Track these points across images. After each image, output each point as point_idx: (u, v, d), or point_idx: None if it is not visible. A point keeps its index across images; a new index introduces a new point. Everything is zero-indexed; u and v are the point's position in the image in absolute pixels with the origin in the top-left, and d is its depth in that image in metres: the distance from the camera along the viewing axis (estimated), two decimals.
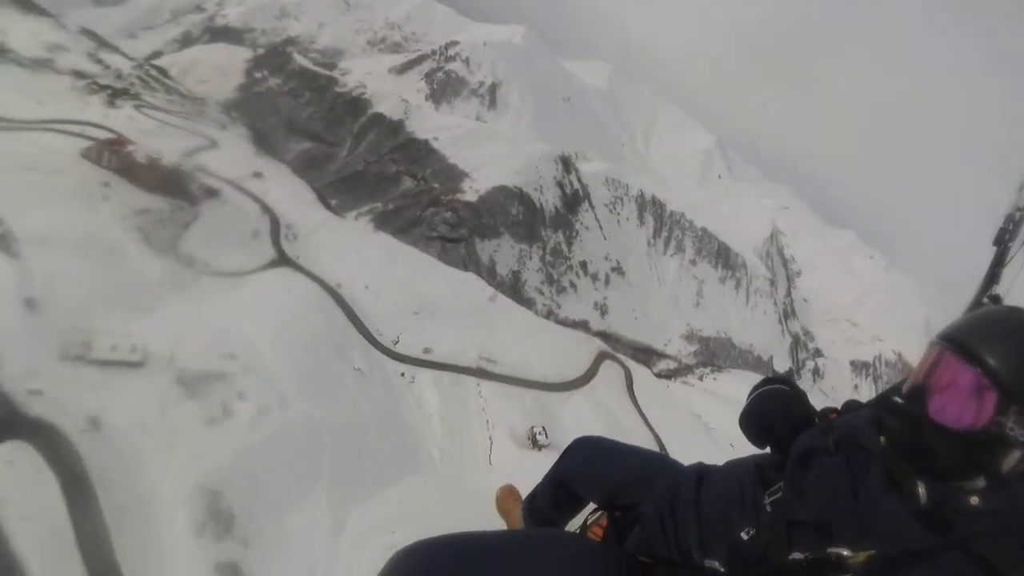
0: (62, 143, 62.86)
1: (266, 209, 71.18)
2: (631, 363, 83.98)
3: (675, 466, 3.19)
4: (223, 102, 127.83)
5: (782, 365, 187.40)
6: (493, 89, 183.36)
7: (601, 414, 64.01)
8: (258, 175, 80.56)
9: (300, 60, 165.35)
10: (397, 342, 59.19)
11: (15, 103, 67.27)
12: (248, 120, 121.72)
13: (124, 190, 58.67)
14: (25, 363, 36.22)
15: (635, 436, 64.21)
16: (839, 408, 2.72)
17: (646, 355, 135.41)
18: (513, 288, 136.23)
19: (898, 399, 2.21)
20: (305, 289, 58.09)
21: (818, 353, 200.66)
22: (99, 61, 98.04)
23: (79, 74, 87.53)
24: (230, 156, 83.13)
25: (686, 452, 57.97)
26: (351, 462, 42.46)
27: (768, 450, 2.73)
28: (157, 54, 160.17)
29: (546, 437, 54.70)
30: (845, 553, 1.98)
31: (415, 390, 54.30)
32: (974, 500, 1.89)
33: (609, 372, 74.80)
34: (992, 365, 1.90)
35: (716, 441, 74.15)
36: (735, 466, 2.77)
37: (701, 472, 2.88)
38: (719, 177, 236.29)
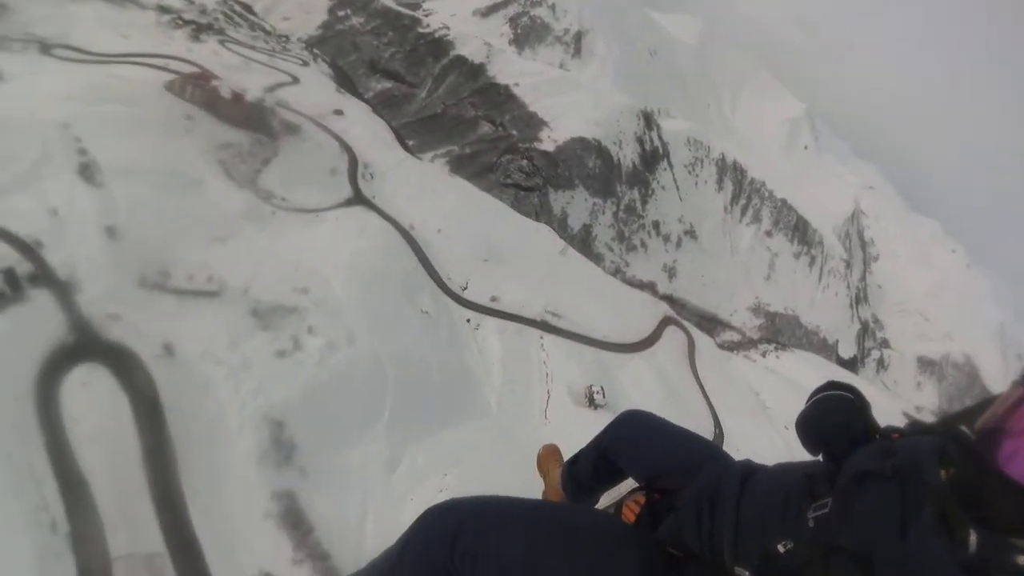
0: (147, 76, 64.13)
1: (345, 147, 71.82)
2: (695, 331, 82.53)
3: (723, 458, 3.05)
4: (306, 39, 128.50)
5: (847, 351, 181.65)
6: (578, 37, 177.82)
7: (660, 380, 63.47)
8: (338, 112, 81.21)
9: None
10: (466, 288, 59.65)
11: (100, 37, 68.72)
12: (330, 58, 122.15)
13: (207, 123, 60.00)
14: (105, 288, 37.77)
15: (691, 406, 63.65)
16: (903, 429, 2.47)
17: (710, 324, 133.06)
18: (583, 242, 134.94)
19: (969, 432, 2.06)
20: (379, 229, 58.80)
21: (885, 344, 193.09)
22: None
23: (163, 9, 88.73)
24: (311, 93, 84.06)
25: (740, 429, 57.45)
26: (411, 402, 43.47)
27: (820, 459, 2.56)
28: None
29: (603, 397, 54.68)
30: None
31: (479, 337, 54.89)
32: (1022, 560, 1.71)
33: (672, 338, 73.84)
34: None
35: (772, 421, 72.76)
36: (784, 471, 2.58)
37: (748, 470, 2.71)
38: (805, 148, 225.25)
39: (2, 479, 28.24)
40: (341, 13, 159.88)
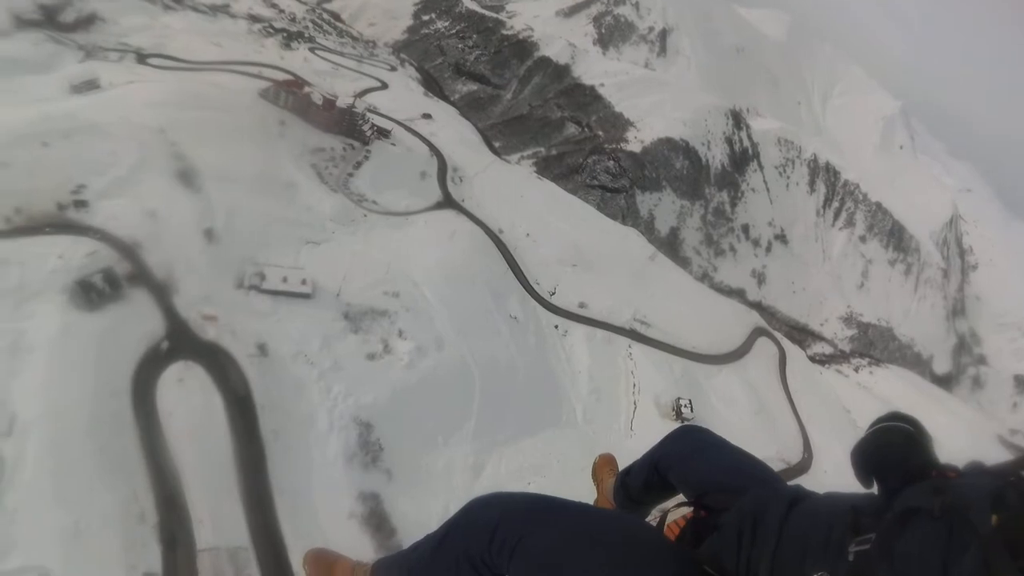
0: (241, 83, 66.31)
1: (434, 151, 72.93)
2: (786, 343, 79.60)
3: (774, 482, 2.97)
4: (392, 44, 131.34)
5: (942, 367, 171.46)
6: (663, 35, 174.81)
7: (749, 394, 61.59)
8: (427, 116, 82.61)
9: (467, 3, 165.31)
10: (554, 293, 59.49)
11: (194, 46, 71.72)
12: (416, 62, 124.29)
13: (300, 129, 61.82)
14: (202, 289, 39.36)
15: (780, 423, 61.50)
16: (962, 469, 2.32)
17: (801, 334, 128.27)
18: (670, 245, 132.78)
19: None
20: (468, 232, 59.37)
21: (982, 360, 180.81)
22: (273, 5, 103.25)
23: (254, 18, 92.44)
24: (400, 97, 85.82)
25: (829, 449, 54.90)
26: (497, 408, 43.69)
27: (872, 491, 2.44)
28: None
29: (691, 411, 53.49)
30: None
31: (567, 344, 54.60)
32: None
33: (763, 350, 71.53)
34: None
35: None
36: (831, 501, 2.50)
37: (796, 496, 2.63)
38: (900, 148, 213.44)
39: (95, 470, 29.63)
40: (426, 17, 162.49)
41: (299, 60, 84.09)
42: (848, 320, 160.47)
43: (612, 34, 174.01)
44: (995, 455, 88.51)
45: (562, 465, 41.80)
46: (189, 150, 48.76)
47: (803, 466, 57.03)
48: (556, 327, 55.59)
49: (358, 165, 62.55)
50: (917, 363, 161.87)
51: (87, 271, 36.47)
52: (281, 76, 71.87)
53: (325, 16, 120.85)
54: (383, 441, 38.18)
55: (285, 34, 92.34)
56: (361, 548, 33.71)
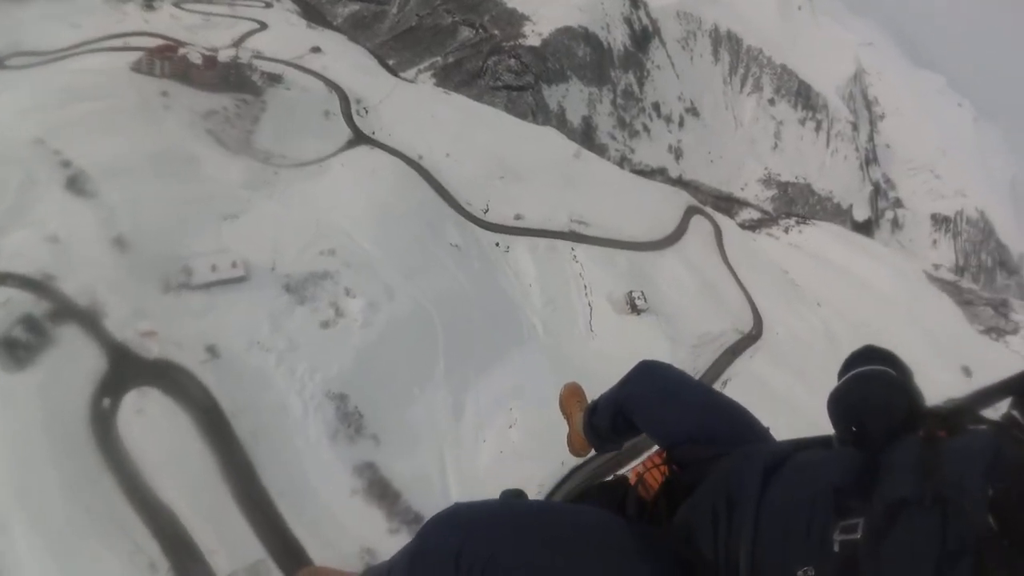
0: (110, 61, 59.07)
1: (332, 86, 67.89)
2: (719, 217, 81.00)
3: (743, 431, 2.73)
4: None
5: (861, 214, 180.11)
6: None
7: (693, 274, 62.60)
8: (316, 50, 76.64)
9: None
10: (487, 211, 57.74)
11: (49, 32, 62.74)
12: None
13: (185, 96, 56.11)
14: (131, 304, 36.04)
15: (727, 296, 63.07)
16: (952, 415, 2.07)
17: (727, 203, 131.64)
18: (584, 135, 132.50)
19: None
20: (388, 166, 56.15)
21: (898, 203, 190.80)
22: None
23: None
24: (283, 35, 79.18)
25: (775, 312, 57.08)
26: (461, 343, 42.72)
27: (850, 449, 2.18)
28: None
29: (644, 301, 53.95)
30: None
31: (511, 260, 53.53)
32: None
33: (699, 228, 72.50)
34: None
35: (804, 299, 72.51)
36: (810, 475, 2.14)
37: (773, 461, 2.27)
38: (799, 9, 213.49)
39: (90, 534, 27.76)
40: None
41: (165, 19, 75.61)
42: (767, 182, 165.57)
43: None
44: (923, 292, 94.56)
45: (535, 383, 41.36)
46: (74, 153, 43.62)
47: (755, 334, 58.99)
48: (497, 245, 54.25)
49: (256, 120, 57.58)
50: (838, 213, 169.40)
51: (5, 326, 32.85)
52: (151, 42, 64.17)
53: None
54: (361, 408, 37.00)
55: None
56: (373, 521, 33.38)
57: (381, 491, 34.25)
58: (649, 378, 3.07)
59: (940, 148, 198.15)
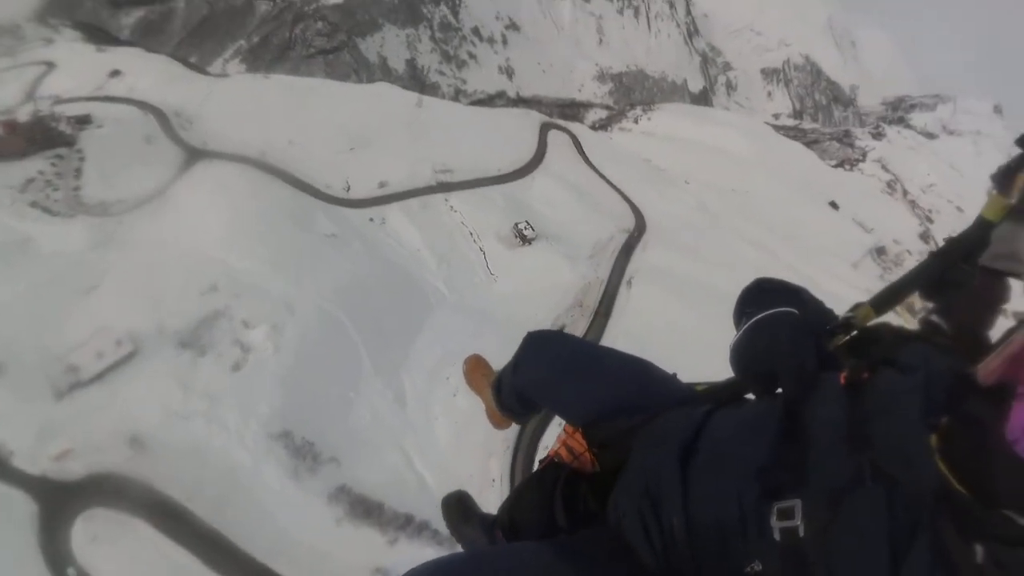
0: None
1: (145, 107, 61.20)
2: (573, 126, 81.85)
3: (650, 396, 2.39)
4: (31, 13, 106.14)
5: (696, 85, 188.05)
6: None
7: (567, 188, 63.29)
8: (115, 74, 69.22)
9: None
10: (348, 188, 55.11)
11: None
12: (68, 18, 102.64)
13: None
14: (30, 430, 32.25)
15: (603, 200, 64.50)
16: (866, 327, 1.98)
17: (572, 109, 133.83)
18: (412, 78, 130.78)
19: (952, 342, 1.76)
20: (234, 174, 51.66)
21: (728, 67, 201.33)
22: None
23: None
24: (75, 68, 71.06)
25: (649, 202, 59.36)
26: (375, 331, 41.24)
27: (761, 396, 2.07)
28: None
29: (532, 230, 54.12)
30: None
31: (390, 231, 51.69)
32: None
33: (558, 142, 73.00)
34: None
35: (672, 182, 75.65)
36: (727, 452, 1.92)
37: (685, 442, 2.01)
38: None
39: None
40: None
41: None
42: (601, 77, 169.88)
43: None
44: (773, 143, 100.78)
45: (459, 344, 40.47)
46: None
47: (640, 227, 60.80)
48: (372, 220, 52.04)
49: (78, 173, 51.17)
50: (674, 91, 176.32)
51: None
52: None
53: None
54: (308, 436, 34.97)
55: None
56: (369, 540, 32.06)
57: (364, 509, 33.05)
58: (539, 358, 2.78)
59: (755, 6, 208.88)
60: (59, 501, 30.75)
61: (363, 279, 44.27)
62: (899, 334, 1.91)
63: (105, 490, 31.33)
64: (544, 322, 44.30)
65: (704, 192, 74.13)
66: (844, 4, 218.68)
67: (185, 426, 33.74)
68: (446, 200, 56.06)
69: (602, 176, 69.81)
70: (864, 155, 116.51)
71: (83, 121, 56.69)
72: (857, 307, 2.09)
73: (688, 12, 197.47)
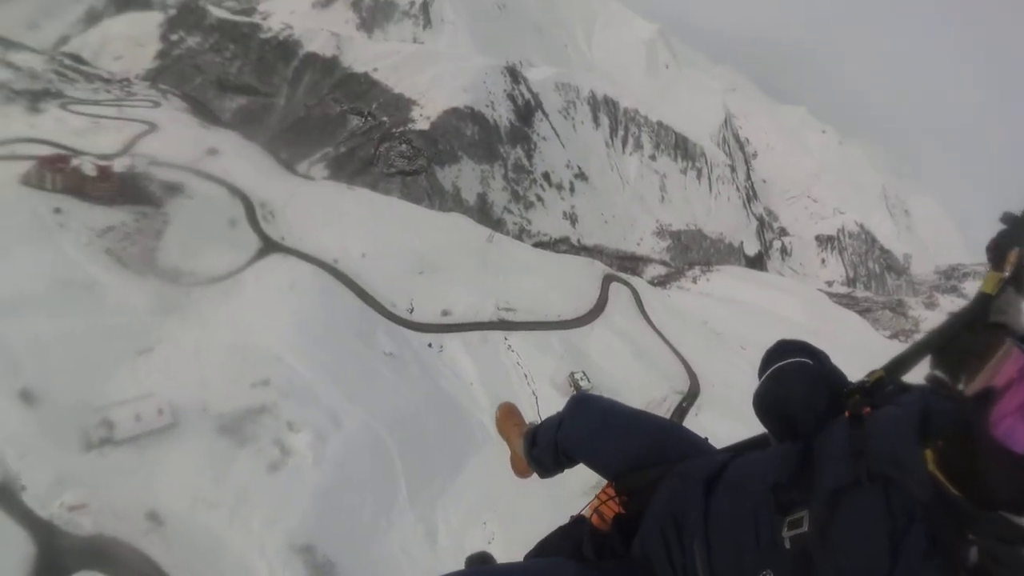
0: None
1: (235, 191, 65.03)
2: (635, 280, 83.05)
3: (681, 447, 2.77)
4: (145, 74, 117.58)
5: (752, 248, 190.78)
6: (425, 7, 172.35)
7: (625, 342, 63.11)
8: (212, 152, 73.57)
9: (216, 12, 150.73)
10: (412, 310, 56.17)
11: None
12: (175, 87, 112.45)
13: (79, 211, 51.83)
14: (51, 471, 31.73)
15: (659, 358, 63.91)
16: (875, 381, 2.15)
17: (632, 262, 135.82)
18: (481, 211, 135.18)
19: (954, 390, 1.93)
20: (306, 276, 53.54)
21: (783, 232, 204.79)
22: (8, 64, 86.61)
23: None
24: (175, 136, 75.83)
25: (706, 364, 58.24)
26: (418, 459, 40.31)
27: (782, 446, 2.30)
28: (65, 39, 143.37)
29: (587, 380, 53.66)
30: None
31: (447, 359, 51.92)
32: None
33: (619, 296, 73.63)
34: None
35: (727, 345, 74.79)
36: (749, 476, 2.24)
37: (710, 473, 2.36)
38: (666, 67, 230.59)
39: None
40: (174, 37, 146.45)
41: (52, 123, 71.06)
42: (660, 233, 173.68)
43: (374, 16, 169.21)
44: (828, 311, 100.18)
45: (502, 489, 38.87)
46: None
47: (694, 390, 59.72)
48: (430, 346, 52.56)
49: (159, 234, 53.57)
50: (730, 252, 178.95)
51: None
52: (40, 150, 59.64)
53: (67, 63, 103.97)
54: (331, 555, 33.63)
55: (29, 95, 77.61)
56: None
57: None
58: (582, 414, 3.10)
59: (812, 174, 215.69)
60: (60, 552, 29.53)
61: (414, 405, 43.90)
62: (903, 385, 2.12)
63: (110, 556, 30.03)
64: (588, 480, 42.79)
65: (759, 359, 72.94)
66: (897, 172, 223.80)
67: (208, 515, 32.67)
68: (505, 338, 56.41)
69: (660, 334, 69.69)
70: (917, 325, 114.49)
71: (175, 189, 59.87)
72: (872, 373, 2.22)
73: (748, 177, 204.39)
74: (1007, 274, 2.14)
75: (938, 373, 2.04)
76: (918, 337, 2.44)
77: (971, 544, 1.56)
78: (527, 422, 3.69)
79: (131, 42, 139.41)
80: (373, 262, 60.49)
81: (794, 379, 2.29)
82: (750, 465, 2.29)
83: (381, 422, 40.85)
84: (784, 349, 2.43)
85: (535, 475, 3.54)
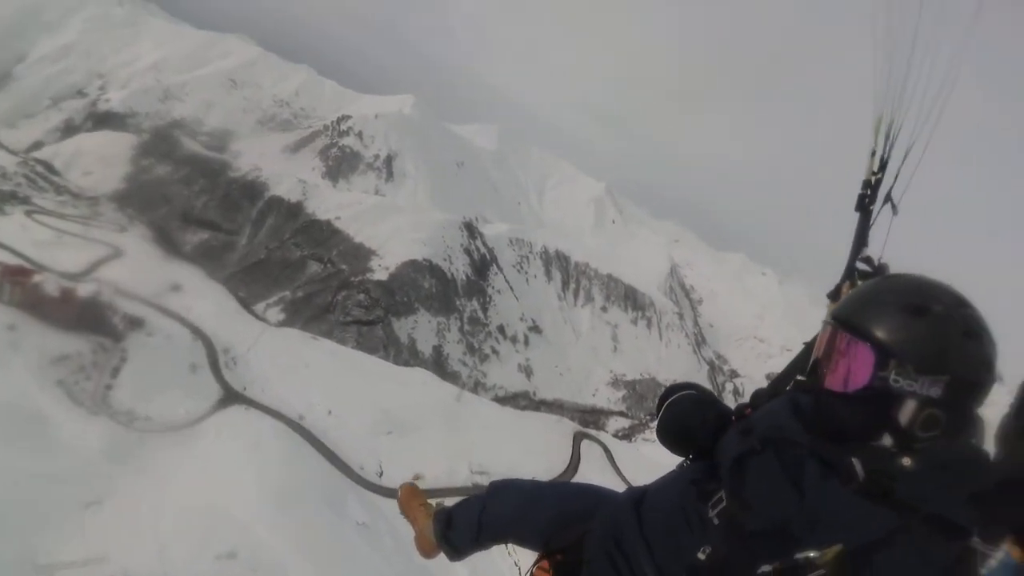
0: None
1: (197, 333, 62.50)
2: (603, 435, 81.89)
3: (609, 495, 3.04)
4: (112, 194, 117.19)
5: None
6: (389, 161, 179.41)
7: None
8: (176, 288, 71.61)
9: (189, 144, 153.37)
10: (381, 474, 52.96)
11: None
12: (143, 214, 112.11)
13: (34, 332, 48.58)
14: None
15: None
16: (752, 402, 2.57)
17: (593, 416, 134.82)
18: (436, 363, 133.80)
19: (802, 377, 2.54)
20: (271, 432, 50.05)
21: (734, 374, 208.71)
22: None
23: None
24: (139, 266, 73.95)
25: None
26: None
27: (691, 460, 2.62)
28: (38, 144, 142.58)
29: None
30: (812, 555, 1.86)
31: None
32: (906, 461, 1.87)
33: (591, 453, 72.31)
34: (858, 323, 1.98)
35: None
36: (670, 485, 2.55)
37: (636, 496, 2.67)
38: (613, 222, 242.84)
39: None
40: (145, 163, 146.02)
41: (16, 228, 68.27)
42: (615, 383, 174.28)
43: (340, 165, 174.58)
44: None
45: None
46: None
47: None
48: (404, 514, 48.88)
49: (115, 371, 50.18)
50: None
51: None
52: (2, 256, 57.14)
53: (39, 169, 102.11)
54: None
55: None
56: None
57: None
58: (507, 493, 3.18)
59: (757, 315, 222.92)
60: None
61: None
62: (777, 392, 2.66)
63: None
64: None
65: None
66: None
67: None
68: None
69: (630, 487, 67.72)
70: None
71: (136, 322, 56.49)
72: (752, 394, 2.67)
73: (696, 323, 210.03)
74: None
75: (802, 378, 2.50)
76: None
77: (855, 462, 1.87)
78: (432, 503, 3.69)
79: (102, 161, 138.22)
80: (340, 420, 57.68)
81: (684, 401, 2.63)
82: (669, 480, 2.58)
83: None
84: (671, 389, 2.73)
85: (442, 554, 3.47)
